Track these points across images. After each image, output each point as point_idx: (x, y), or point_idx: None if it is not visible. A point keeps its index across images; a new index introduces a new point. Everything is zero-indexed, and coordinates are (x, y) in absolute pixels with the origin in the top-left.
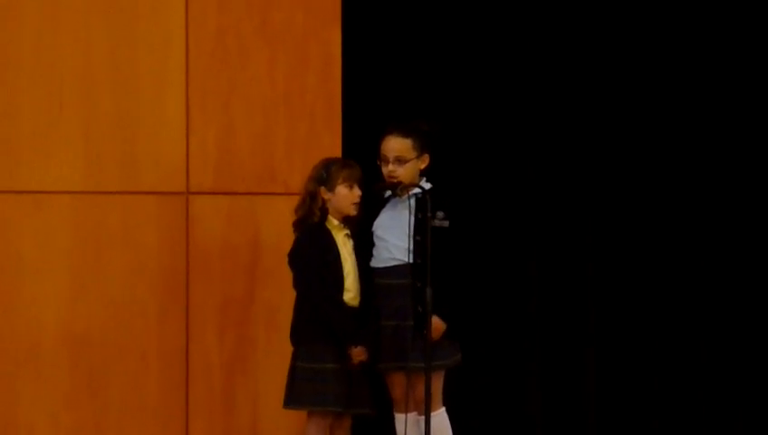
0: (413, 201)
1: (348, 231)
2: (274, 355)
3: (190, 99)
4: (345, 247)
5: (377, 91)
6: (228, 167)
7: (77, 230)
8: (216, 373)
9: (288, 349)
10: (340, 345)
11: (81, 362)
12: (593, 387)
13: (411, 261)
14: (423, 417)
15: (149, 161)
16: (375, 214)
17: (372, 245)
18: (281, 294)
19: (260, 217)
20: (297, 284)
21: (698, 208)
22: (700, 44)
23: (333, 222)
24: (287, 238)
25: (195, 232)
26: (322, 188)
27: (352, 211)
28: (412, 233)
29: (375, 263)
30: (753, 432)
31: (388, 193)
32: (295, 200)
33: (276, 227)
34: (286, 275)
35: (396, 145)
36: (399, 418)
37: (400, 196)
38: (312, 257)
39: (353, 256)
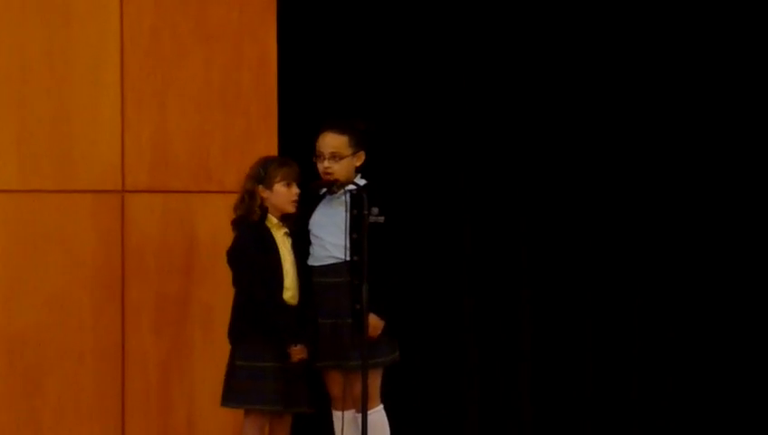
0: (348, 198)
1: (287, 229)
2: (210, 354)
3: (125, 97)
4: (284, 246)
5: (312, 90)
6: (164, 165)
7: (12, 229)
8: (153, 372)
9: (224, 347)
10: (280, 344)
11: (16, 362)
12: (528, 383)
13: (348, 259)
14: (361, 414)
15: (85, 160)
16: (310, 212)
17: (309, 243)
18: (217, 293)
19: (195, 215)
20: (236, 282)
21: (630, 190)
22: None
23: (272, 220)
24: (223, 237)
25: (130, 230)
26: (260, 187)
27: (291, 209)
28: (348, 230)
29: (312, 261)
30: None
31: (324, 190)
32: (231, 198)
33: (212, 225)
34: (222, 273)
35: (332, 141)
36: (337, 415)
37: (336, 193)
38: (252, 256)
39: (292, 255)
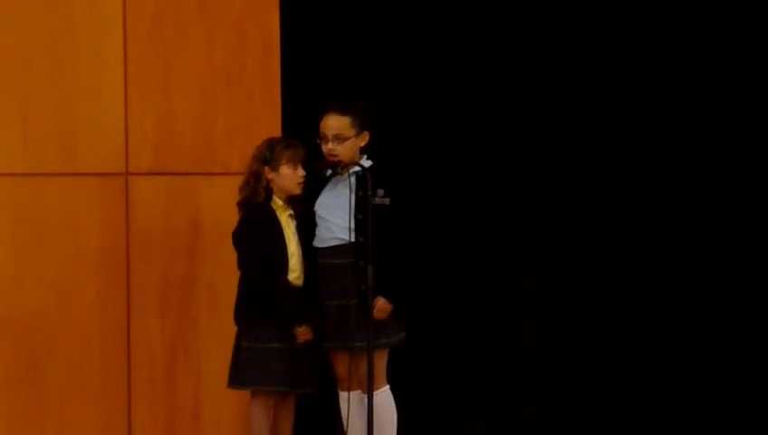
0: (353, 179)
1: (292, 211)
2: (216, 336)
3: (129, 80)
4: (289, 227)
5: (316, 71)
6: (168, 147)
7: (16, 213)
8: (158, 355)
9: (230, 329)
10: (285, 325)
11: (21, 346)
12: (534, 364)
13: (353, 240)
14: (367, 395)
15: (88, 143)
16: (317, 193)
17: (315, 224)
18: (221, 275)
19: (200, 197)
20: (241, 264)
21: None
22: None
23: (278, 202)
24: (227, 218)
25: (134, 213)
26: (266, 168)
27: (297, 190)
28: (353, 212)
29: (317, 243)
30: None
31: (329, 172)
32: (235, 180)
33: (216, 207)
34: (227, 255)
35: (335, 123)
36: (344, 396)
37: (341, 174)
38: (256, 237)
39: (297, 236)
